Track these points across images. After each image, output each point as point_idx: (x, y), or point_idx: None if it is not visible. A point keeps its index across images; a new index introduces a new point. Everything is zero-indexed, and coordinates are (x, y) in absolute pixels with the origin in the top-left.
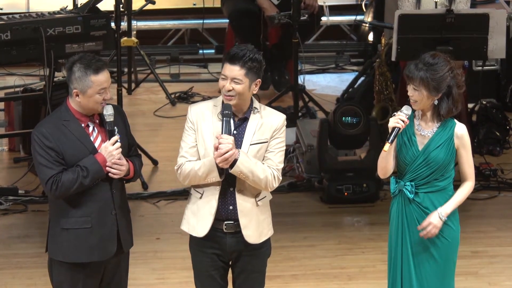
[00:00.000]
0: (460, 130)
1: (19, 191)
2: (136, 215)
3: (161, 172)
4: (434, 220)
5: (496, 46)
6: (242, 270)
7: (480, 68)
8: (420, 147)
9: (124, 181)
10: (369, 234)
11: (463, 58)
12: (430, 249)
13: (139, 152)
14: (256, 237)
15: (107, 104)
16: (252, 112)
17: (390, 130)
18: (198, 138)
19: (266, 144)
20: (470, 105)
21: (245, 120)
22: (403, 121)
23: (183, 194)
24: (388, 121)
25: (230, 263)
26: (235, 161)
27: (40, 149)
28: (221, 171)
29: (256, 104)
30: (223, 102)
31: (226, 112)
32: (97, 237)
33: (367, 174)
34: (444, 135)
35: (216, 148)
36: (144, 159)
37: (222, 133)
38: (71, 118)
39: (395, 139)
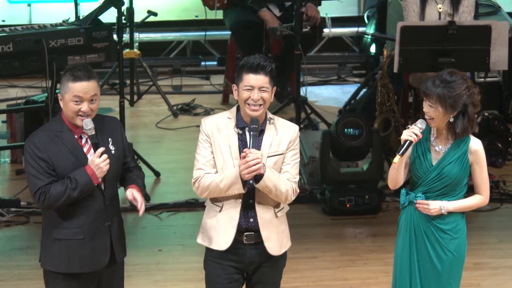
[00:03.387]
0: (475, 145)
1: (21, 203)
2: (138, 227)
3: (163, 184)
4: (434, 204)
5: (498, 57)
6: (259, 281)
7: (482, 79)
8: (434, 162)
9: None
10: (371, 245)
11: (465, 70)
12: (435, 262)
13: (142, 163)
14: (278, 249)
15: (87, 117)
16: (268, 122)
17: (402, 142)
18: (215, 151)
19: (283, 156)
20: None
21: (261, 132)
22: (416, 135)
23: (185, 206)
24: (390, 133)
25: (246, 275)
26: (261, 175)
27: (31, 160)
28: (244, 183)
29: (270, 114)
30: (238, 114)
31: (254, 127)
32: (89, 248)
33: (369, 186)
34: (459, 151)
35: (244, 157)
36: (146, 170)
37: (249, 147)
38: (64, 129)
39: (406, 152)
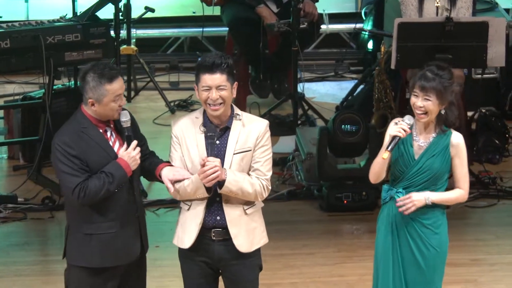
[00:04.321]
0: (456, 139)
1: (19, 199)
2: None
3: None
4: (417, 196)
5: (495, 54)
6: (232, 280)
7: (479, 76)
8: (416, 157)
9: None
10: (368, 242)
11: (463, 66)
12: (417, 258)
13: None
14: (247, 246)
15: (123, 110)
16: (234, 118)
17: (390, 139)
18: (184, 151)
19: (250, 152)
20: (469, 113)
21: (226, 129)
22: (404, 131)
23: None
24: (387, 129)
25: (220, 271)
26: (223, 181)
27: (64, 158)
28: (208, 188)
29: (237, 110)
30: (205, 113)
31: (211, 135)
32: (121, 241)
33: (366, 182)
34: (440, 144)
35: (203, 165)
36: None
37: (207, 155)
38: (89, 125)
39: (394, 148)
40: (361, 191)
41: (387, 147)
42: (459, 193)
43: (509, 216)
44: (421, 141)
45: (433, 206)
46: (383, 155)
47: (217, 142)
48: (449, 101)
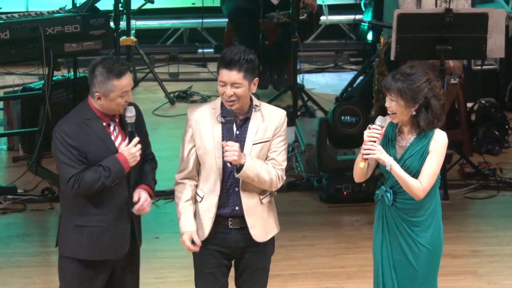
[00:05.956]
0: (437, 135)
1: (18, 190)
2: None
3: (160, 171)
4: (384, 156)
5: (495, 45)
6: (247, 267)
7: (479, 67)
8: (398, 157)
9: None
10: (368, 233)
11: (462, 58)
12: (409, 258)
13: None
14: (263, 235)
15: (129, 105)
16: (253, 110)
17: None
18: (197, 142)
19: (269, 142)
20: (469, 105)
21: (246, 120)
22: (378, 134)
23: None
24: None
25: (233, 260)
26: (241, 166)
27: (63, 148)
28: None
29: (256, 101)
30: (222, 105)
31: (229, 119)
32: (110, 236)
33: None
34: (420, 144)
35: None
36: None
37: (225, 140)
38: (93, 117)
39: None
40: (360, 182)
41: (363, 155)
42: (416, 183)
43: (509, 207)
44: (402, 142)
45: (419, 208)
46: (360, 165)
47: (237, 132)
48: (420, 103)
